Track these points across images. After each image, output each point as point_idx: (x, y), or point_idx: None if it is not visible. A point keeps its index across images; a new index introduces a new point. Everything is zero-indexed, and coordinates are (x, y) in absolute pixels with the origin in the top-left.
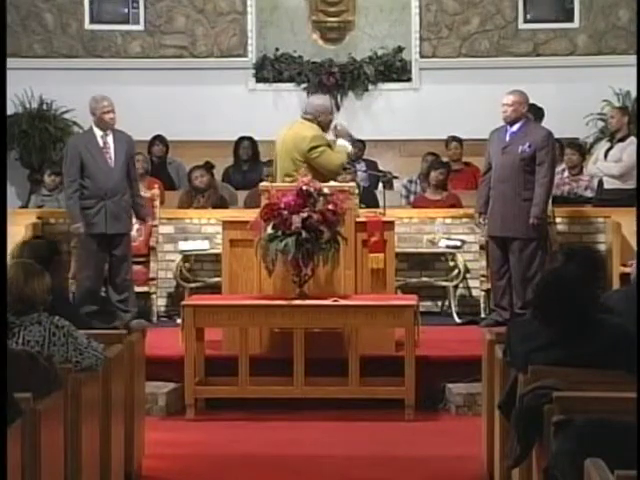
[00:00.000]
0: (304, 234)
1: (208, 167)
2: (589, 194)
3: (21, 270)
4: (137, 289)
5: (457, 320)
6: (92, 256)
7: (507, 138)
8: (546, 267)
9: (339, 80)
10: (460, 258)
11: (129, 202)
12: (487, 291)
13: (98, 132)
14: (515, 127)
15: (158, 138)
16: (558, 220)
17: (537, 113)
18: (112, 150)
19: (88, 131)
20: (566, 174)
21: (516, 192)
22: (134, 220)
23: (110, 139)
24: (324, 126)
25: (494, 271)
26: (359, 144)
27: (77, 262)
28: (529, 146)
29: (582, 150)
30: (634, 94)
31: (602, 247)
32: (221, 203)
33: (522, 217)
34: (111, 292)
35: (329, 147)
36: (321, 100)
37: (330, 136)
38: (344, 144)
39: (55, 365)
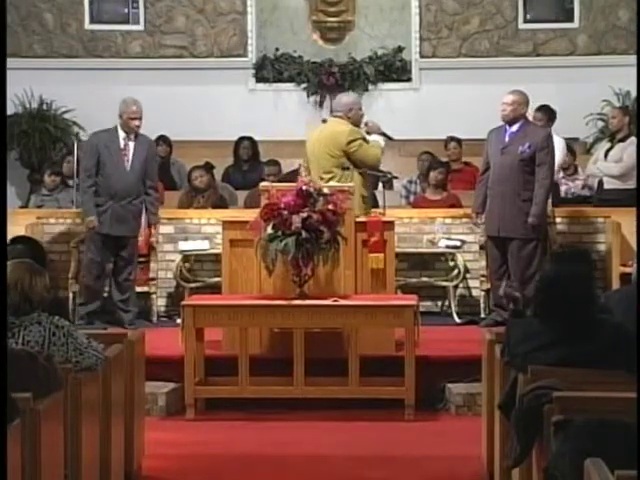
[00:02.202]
0: (304, 234)
1: (208, 167)
2: (587, 192)
3: (25, 270)
4: (137, 289)
5: (457, 320)
6: (95, 254)
7: (506, 138)
8: (545, 267)
9: (339, 80)
10: (460, 258)
11: (139, 206)
12: (487, 291)
13: (121, 133)
14: (514, 127)
15: (162, 138)
16: (558, 220)
17: (550, 115)
18: (131, 153)
19: (111, 130)
20: (561, 174)
21: (515, 192)
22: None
23: (131, 142)
24: (355, 122)
25: (493, 271)
26: (389, 137)
27: (83, 258)
28: (529, 147)
29: (571, 149)
30: (634, 94)
31: (602, 247)
32: (220, 203)
33: (521, 217)
34: (114, 291)
35: (365, 141)
36: (349, 97)
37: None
38: (377, 139)
39: (55, 365)
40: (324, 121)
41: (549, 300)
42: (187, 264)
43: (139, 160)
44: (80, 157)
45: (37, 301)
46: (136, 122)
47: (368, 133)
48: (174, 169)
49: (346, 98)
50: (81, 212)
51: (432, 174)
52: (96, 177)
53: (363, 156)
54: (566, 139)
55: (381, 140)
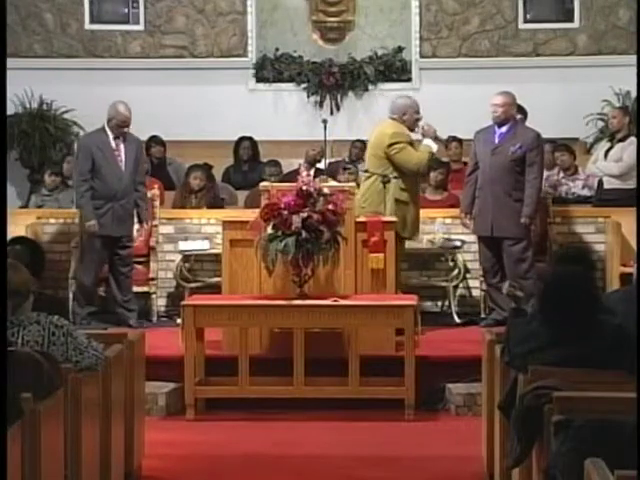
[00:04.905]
0: (304, 234)
1: (206, 169)
2: (587, 193)
3: None
4: (137, 289)
5: (457, 320)
6: (95, 256)
7: (496, 139)
8: (544, 267)
9: (339, 80)
10: (460, 258)
11: (133, 204)
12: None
13: (111, 134)
14: (504, 128)
15: (154, 139)
16: (558, 220)
17: (521, 113)
18: (123, 153)
19: (100, 131)
20: (562, 175)
21: (506, 193)
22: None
23: (121, 142)
24: (410, 125)
25: (486, 270)
26: (443, 143)
27: (78, 260)
28: (520, 147)
29: (571, 149)
30: (634, 94)
31: (602, 247)
32: (215, 202)
33: (513, 217)
34: (116, 292)
35: (410, 145)
36: (405, 100)
37: (417, 135)
38: (429, 144)
39: (58, 368)
40: (324, 121)
41: (549, 300)
42: (187, 264)
43: (131, 160)
44: (75, 160)
45: (23, 293)
46: (125, 129)
47: (423, 136)
48: (171, 169)
49: (402, 101)
50: (80, 215)
51: (432, 174)
52: (92, 180)
53: (405, 160)
54: (566, 139)
55: (434, 145)
